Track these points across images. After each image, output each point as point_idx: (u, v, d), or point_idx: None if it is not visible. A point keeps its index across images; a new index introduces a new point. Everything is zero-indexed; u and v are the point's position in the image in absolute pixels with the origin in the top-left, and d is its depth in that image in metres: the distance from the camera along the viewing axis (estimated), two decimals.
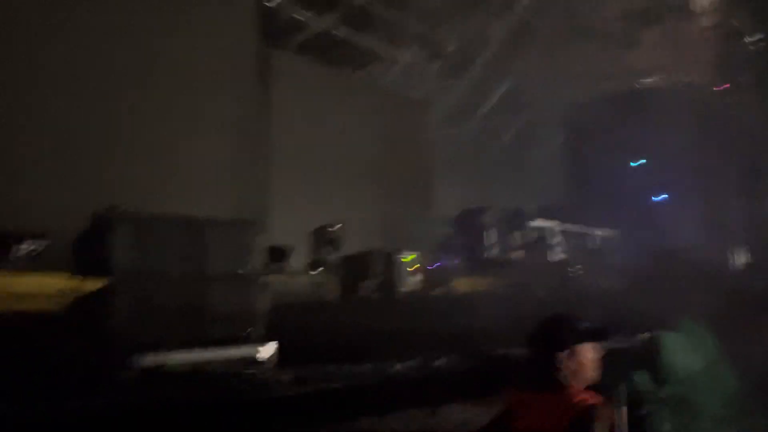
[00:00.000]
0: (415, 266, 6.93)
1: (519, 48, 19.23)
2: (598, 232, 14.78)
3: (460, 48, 19.85)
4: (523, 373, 2.93)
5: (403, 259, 6.92)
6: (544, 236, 13.16)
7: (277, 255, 7.63)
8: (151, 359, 3.22)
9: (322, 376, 3.51)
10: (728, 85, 20.19)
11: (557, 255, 13.02)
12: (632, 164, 17.94)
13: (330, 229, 8.73)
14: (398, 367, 3.79)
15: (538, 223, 13.49)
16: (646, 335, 5.67)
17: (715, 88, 19.65)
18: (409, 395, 3.61)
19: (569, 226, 14.24)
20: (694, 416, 5.62)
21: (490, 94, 20.49)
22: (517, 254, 12.30)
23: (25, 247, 5.54)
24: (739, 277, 15.01)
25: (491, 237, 12.36)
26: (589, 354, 2.65)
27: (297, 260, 8.70)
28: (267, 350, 3.66)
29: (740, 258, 17.38)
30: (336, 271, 7.81)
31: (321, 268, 8.41)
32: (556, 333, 2.63)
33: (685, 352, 5.38)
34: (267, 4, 14.35)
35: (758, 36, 22.20)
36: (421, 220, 16.54)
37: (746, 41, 22.58)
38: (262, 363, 3.60)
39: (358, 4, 16.07)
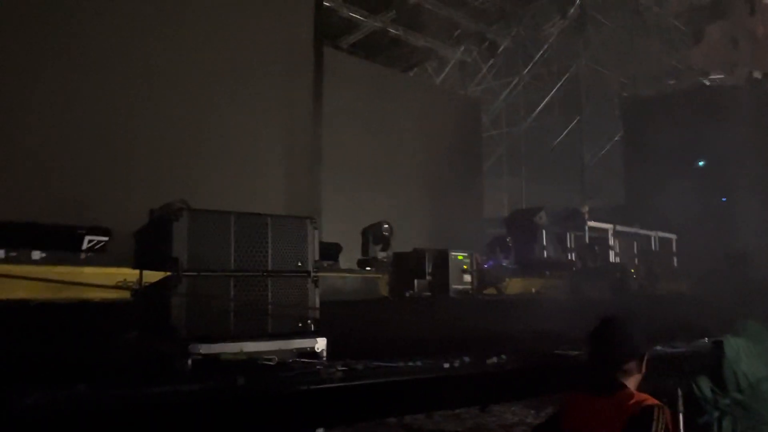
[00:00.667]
0: (466, 265, 6.89)
1: (577, 45, 18.88)
2: (657, 235, 14.38)
3: (516, 46, 19.64)
4: (581, 374, 2.90)
5: (458, 257, 6.89)
6: (601, 238, 12.92)
7: (330, 252, 7.74)
8: (208, 349, 3.32)
9: (373, 371, 3.54)
10: None
11: (613, 257, 12.77)
12: (699, 164, 17.36)
13: (379, 228, 8.78)
14: (451, 363, 3.79)
15: (594, 224, 13.24)
16: (709, 340, 5.49)
17: None
18: (461, 392, 3.62)
19: (626, 228, 13.93)
20: (756, 425, 5.44)
21: (545, 93, 20.18)
22: (572, 256, 12.09)
23: (93, 240, 5.79)
24: None
25: (545, 238, 12.20)
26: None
27: (348, 259, 8.80)
28: (320, 343, 3.72)
29: None
30: (387, 268, 7.85)
31: (371, 267, 8.48)
32: (631, 338, 2.61)
33: (749, 358, 5.20)
34: (325, 2, 14.49)
35: None
36: (472, 220, 16.45)
37: None
38: (315, 354, 3.66)
39: (413, 2, 16.09)
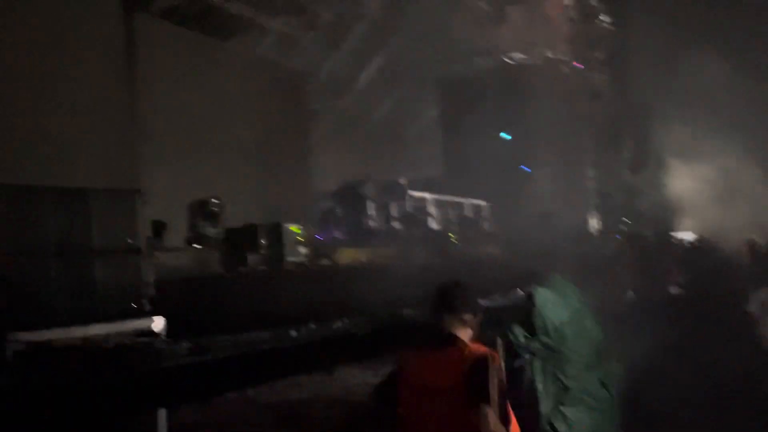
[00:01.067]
0: (301, 237, 6.90)
1: (394, 21, 19.44)
2: (473, 202, 15.49)
3: (336, 19, 19.73)
4: (418, 333, 3.08)
5: (292, 229, 6.86)
6: (421, 207, 13.62)
7: (157, 229, 7.30)
8: (35, 336, 3.03)
9: (217, 345, 3.47)
10: (582, 66, 21.71)
11: (435, 224, 13.54)
12: (503, 135, 18.89)
13: (208, 203, 8.47)
14: (292, 333, 3.83)
15: (416, 194, 13.92)
16: (523, 292, 6.06)
17: (574, 64, 21.05)
18: (309, 359, 3.67)
19: (445, 197, 14.85)
20: (562, 364, 6.12)
21: (366, 67, 20.60)
22: (397, 225, 12.64)
23: None
24: (593, 238, 16.45)
25: (371, 209, 12.62)
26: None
27: (174, 236, 8.37)
28: (158, 323, 3.55)
29: (593, 223, 19.10)
30: (219, 244, 7.61)
31: (200, 245, 8.15)
32: (463, 296, 2.82)
33: (554, 306, 5.80)
34: None
35: (609, 19, 24.01)
36: (302, 194, 16.46)
37: (601, 21, 24.35)
38: (154, 335, 3.49)
39: None
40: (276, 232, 6.91)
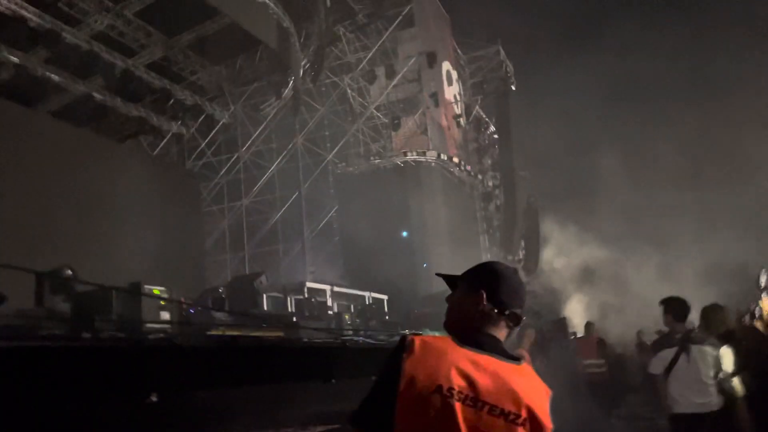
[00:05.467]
0: (164, 300, 6.36)
1: (293, 124, 20.05)
2: (371, 295, 15.48)
3: (235, 122, 20.11)
4: None
5: (153, 291, 6.38)
6: (316, 296, 13.47)
7: None
8: None
9: None
10: (469, 167, 23.08)
11: (330, 310, 13.40)
12: (404, 234, 19.33)
13: (61, 271, 7.68)
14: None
15: (312, 285, 13.79)
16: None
17: (463, 168, 22.26)
18: None
19: (343, 289, 14.81)
20: None
21: (265, 170, 20.88)
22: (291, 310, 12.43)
23: None
24: None
25: (264, 302, 12.40)
26: None
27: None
28: None
29: None
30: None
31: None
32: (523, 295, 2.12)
33: None
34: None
35: (492, 128, 25.96)
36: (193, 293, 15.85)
37: (490, 131, 26.22)
38: None
39: (121, 69, 15.59)
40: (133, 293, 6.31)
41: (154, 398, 3.22)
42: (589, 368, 10.78)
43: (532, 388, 1.87)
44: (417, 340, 1.90)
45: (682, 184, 18.95)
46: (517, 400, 1.81)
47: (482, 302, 1.96)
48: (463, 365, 1.83)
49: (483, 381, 1.82)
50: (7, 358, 2.69)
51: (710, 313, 5.61)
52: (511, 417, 1.80)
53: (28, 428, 2.83)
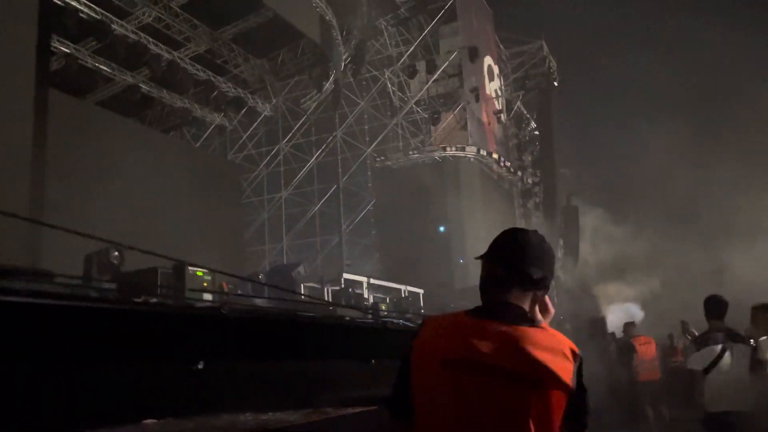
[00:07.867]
0: (206, 282, 6.50)
1: (333, 118, 20.18)
2: (407, 288, 15.51)
3: (276, 115, 20.33)
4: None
5: (197, 273, 6.50)
6: (353, 287, 13.58)
7: None
8: None
9: None
10: (508, 164, 22.82)
11: (366, 302, 13.50)
12: (441, 229, 19.28)
13: (106, 254, 7.88)
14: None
15: (349, 276, 13.90)
16: None
17: (503, 164, 22.05)
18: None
19: (379, 281, 14.90)
20: None
21: (304, 162, 21.05)
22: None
23: None
24: None
25: (302, 290, 12.54)
26: None
27: None
28: None
29: None
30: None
31: None
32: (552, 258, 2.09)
33: None
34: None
35: (533, 125, 25.62)
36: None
37: (531, 127, 25.89)
38: None
39: (166, 61, 15.93)
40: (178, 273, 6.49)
41: (200, 365, 3.30)
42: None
43: (548, 348, 1.81)
44: (427, 322, 1.97)
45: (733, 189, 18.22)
46: (525, 359, 1.77)
47: (486, 266, 1.95)
48: (465, 334, 1.84)
49: (484, 347, 1.80)
50: (64, 317, 2.78)
51: (759, 312, 5.48)
52: (515, 376, 1.77)
53: (80, 386, 2.93)
